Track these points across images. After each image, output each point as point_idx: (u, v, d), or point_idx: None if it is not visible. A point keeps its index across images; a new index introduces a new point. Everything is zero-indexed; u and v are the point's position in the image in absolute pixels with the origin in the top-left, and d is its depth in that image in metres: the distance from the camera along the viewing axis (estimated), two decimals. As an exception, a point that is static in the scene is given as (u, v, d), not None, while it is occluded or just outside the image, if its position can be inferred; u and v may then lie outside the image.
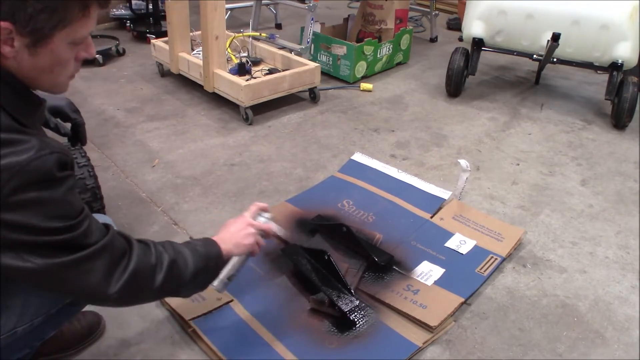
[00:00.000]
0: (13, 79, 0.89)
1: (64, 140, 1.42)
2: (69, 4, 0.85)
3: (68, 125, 1.43)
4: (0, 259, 0.86)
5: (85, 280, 0.94)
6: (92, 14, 0.90)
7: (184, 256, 1.10)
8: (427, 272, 1.70)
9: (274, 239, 1.33)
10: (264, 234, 1.32)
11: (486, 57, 3.47)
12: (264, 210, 1.37)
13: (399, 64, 3.64)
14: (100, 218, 1.29)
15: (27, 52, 0.86)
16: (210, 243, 1.19)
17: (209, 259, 1.16)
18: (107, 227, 0.99)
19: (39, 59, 0.88)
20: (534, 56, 2.89)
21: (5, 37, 0.84)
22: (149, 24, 3.87)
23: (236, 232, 1.26)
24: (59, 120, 1.41)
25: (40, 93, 1.10)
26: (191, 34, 3.04)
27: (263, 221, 1.34)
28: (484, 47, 3.01)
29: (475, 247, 1.82)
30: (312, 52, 3.31)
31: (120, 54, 3.54)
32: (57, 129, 1.41)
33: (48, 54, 0.88)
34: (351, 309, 1.52)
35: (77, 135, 1.43)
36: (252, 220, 1.31)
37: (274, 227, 1.35)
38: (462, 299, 1.59)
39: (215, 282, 1.22)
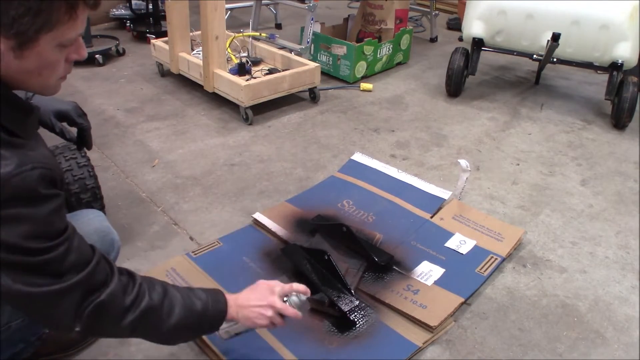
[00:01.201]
0: (1, 87, 0.87)
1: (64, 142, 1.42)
2: (54, 5, 0.82)
3: (74, 129, 1.43)
4: None
5: (52, 313, 0.90)
6: (80, 16, 0.86)
7: (172, 306, 1.04)
8: (427, 272, 1.70)
9: (297, 318, 1.25)
10: (285, 315, 1.22)
11: (486, 57, 3.47)
12: (301, 292, 1.25)
13: (399, 64, 3.64)
14: (90, 214, 1.29)
15: (13, 54, 0.83)
16: (218, 301, 1.13)
17: (204, 317, 1.10)
18: (93, 250, 0.96)
19: (26, 62, 0.85)
20: (534, 56, 2.89)
21: None
22: (149, 24, 3.87)
23: (253, 307, 1.17)
24: (64, 124, 1.40)
25: (47, 97, 1.09)
26: (191, 34, 3.04)
27: (294, 301, 1.23)
28: (484, 47, 3.01)
29: (475, 247, 1.82)
30: (312, 52, 3.31)
31: (120, 54, 3.54)
32: (62, 134, 1.41)
33: (35, 57, 0.85)
34: (351, 309, 1.52)
35: (83, 140, 1.43)
36: (279, 299, 1.20)
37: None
38: (462, 299, 1.59)
39: (223, 332, 1.20)
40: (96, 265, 0.94)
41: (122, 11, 4.02)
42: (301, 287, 1.25)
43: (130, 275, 1.02)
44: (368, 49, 3.27)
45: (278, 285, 1.23)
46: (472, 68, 3.05)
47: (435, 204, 2.04)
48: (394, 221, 1.95)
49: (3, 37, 0.81)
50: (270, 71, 2.97)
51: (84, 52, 0.93)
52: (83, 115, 1.42)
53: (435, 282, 1.66)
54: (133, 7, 3.93)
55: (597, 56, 2.76)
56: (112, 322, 0.97)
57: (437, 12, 4.29)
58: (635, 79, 2.74)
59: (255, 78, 2.84)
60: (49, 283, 0.87)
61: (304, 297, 1.25)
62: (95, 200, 1.77)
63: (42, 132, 1.17)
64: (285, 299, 1.23)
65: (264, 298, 1.19)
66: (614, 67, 2.74)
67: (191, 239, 1.87)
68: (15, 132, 0.87)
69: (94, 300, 0.93)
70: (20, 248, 0.83)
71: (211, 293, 1.14)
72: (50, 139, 1.09)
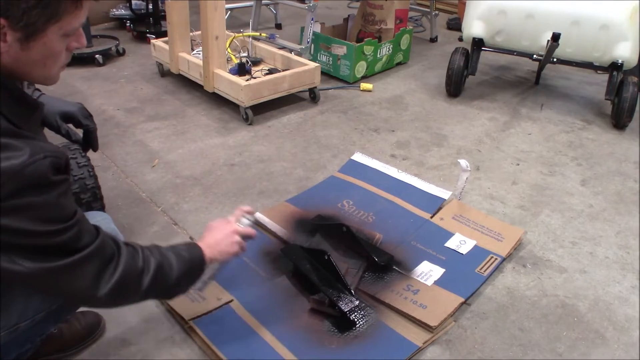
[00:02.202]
0: (8, 81, 0.88)
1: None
2: None
3: (80, 131, 1.43)
4: None
5: (75, 284, 0.95)
6: (85, 6, 0.89)
7: (170, 261, 1.11)
8: (427, 272, 1.70)
9: (255, 237, 1.37)
10: (247, 237, 1.34)
11: (486, 57, 3.47)
12: (249, 213, 1.38)
13: (399, 64, 3.64)
14: (98, 216, 1.30)
15: (19, 46, 0.85)
16: (194, 248, 1.20)
17: (193, 264, 1.18)
18: (97, 229, 0.99)
19: (32, 53, 0.87)
20: (534, 56, 2.89)
21: None
22: (149, 24, 3.87)
23: (221, 240, 1.27)
24: (70, 126, 1.40)
25: (53, 98, 1.10)
26: (191, 34, 3.04)
27: (246, 223, 1.36)
28: (484, 47, 3.01)
29: (475, 247, 1.82)
30: (312, 52, 3.31)
31: (120, 54, 3.54)
32: (68, 135, 1.41)
33: (40, 47, 0.87)
34: (351, 309, 1.52)
35: (89, 141, 1.43)
36: (236, 224, 1.33)
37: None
38: (462, 299, 1.59)
39: (198, 283, 1.25)
40: (103, 237, 0.99)
41: (122, 11, 4.02)
42: (247, 207, 1.37)
43: (130, 244, 1.07)
44: (368, 49, 3.27)
45: (230, 217, 1.35)
46: (472, 68, 3.05)
47: (435, 204, 2.04)
48: (394, 221, 1.95)
49: (10, 29, 0.83)
50: (270, 71, 2.97)
51: (84, 40, 0.96)
52: (89, 116, 1.42)
53: (435, 282, 1.66)
54: (133, 7, 3.93)
55: (597, 56, 2.76)
56: (133, 286, 1.03)
57: (437, 12, 4.29)
58: (635, 79, 2.74)
59: (255, 78, 2.84)
60: (67, 257, 0.92)
61: (251, 217, 1.37)
62: (95, 200, 1.77)
63: (47, 132, 1.17)
64: (237, 223, 1.34)
65: (226, 229, 1.29)
66: (614, 67, 2.74)
67: (191, 238, 1.87)
68: (23, 127, 0.88)
69: (114, 269, 0.98)
70: (37, 232, 0.86)
71: (185, 244, 1.21)
72: (53, 139, 1.09)
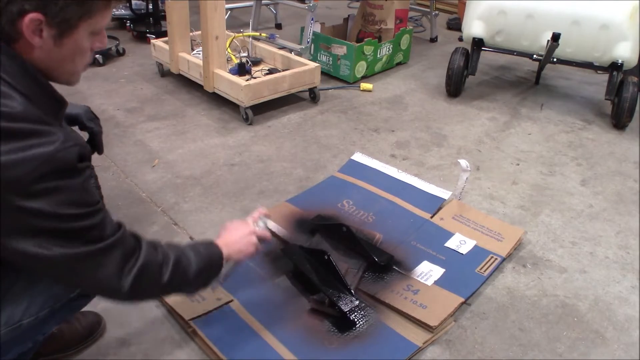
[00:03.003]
0: (41, 76, 0.92)
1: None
2: None
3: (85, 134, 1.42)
4: (19, 246, 0.87)
5: (100, 273, 0.96)
6: (113, 5, 0.96)
7: (188, 256, 1.13)
8: (427, 272, 1.70)
9: (271, 241, 1.42)
10: (262, 239, 1.38)
11: (486, 57, 3.47)
12: (266, 215, 1.42)
13: (399, 64, 3.64)
14: None
15: (53, 42, 0.89)
16: (212, 246, 1.23)
17: (212, 261, 1.20)
18: (119, 223, 1.02)
19: (63, 49, 0.91)
20: (534, 56, 2.89)
21: (35, 28, 0.86)
22: (149, 24, 3.87)
23: (239, 239, 1.30)
24: (76, 128, 1.40)
25: None
26: (191, 34, 3.04)
27: (262, 226, 1.39)
28: (484, 47, 3.01)
29: (475, 247, 1.82)
30: (312, 52, 3.31)
31: (120, 54, 3.54)
32: None
33: (72, 44, 0.92)
34: (351, 309, 1.52)
35: (94, 144, 1.42)
36: (253, 226, 1.37)
37: (276, 227, 1.37)
38: (462, 299, 1.59)
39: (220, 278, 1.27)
40: (125, 230, 1.02)
41: (122, 11, 4.02)
42: (263, 210, 1.42)
43: (149, 239, 1.10)
44: (368, 49, 3.27)
45: (247, 218, 1.39)
46: (472, 68, 3.05)
47: (435, 204, 2.04)
48: (394, 221, 1.95)
49: (47, 25, 0.87)
50: (270, 71, 2.97)
51: (106, 41, 1.02)
52: (94, 119, 1.42)
53: (435, 282, 1.66)
54: (133, 7, 3.93)
55: (597, 56, 2.76)
56: (154, 279, 1.05)
57: (437, 12, 4.29)
58: (635, 79, 2.74)
59: (255, 78, 2.84)
60: (93, 245, 0.94)
61: (267, 220, 1.42)
62: (95, 200, 1.77)
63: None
64: (254, 225, 1.37)
65: (244, 229, 1.33)
66: (614, 67, 2.74)
67: (191, 239, 1.87)
68: (50, 121, 0.91)
69: (135, 261, 1.01)
70: (65, 215, 0.89)
71: (203, 242, 1.23)
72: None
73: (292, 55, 3.05)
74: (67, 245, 0.91)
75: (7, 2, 0.84)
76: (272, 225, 1.38)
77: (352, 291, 1.57)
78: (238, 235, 1.31)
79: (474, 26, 2.95)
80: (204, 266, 1.16)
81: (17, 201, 0.83)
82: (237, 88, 2.62)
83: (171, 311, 1.53)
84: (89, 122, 1.40)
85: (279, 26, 4.36)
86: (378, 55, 3.37)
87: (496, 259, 1.77)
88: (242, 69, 2.93)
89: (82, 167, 0.92)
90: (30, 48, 0.89)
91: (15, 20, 0.85)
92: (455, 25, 4.51)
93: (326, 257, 1.60)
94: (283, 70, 2.91)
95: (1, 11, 0.85)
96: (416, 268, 1.71)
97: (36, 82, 0.91)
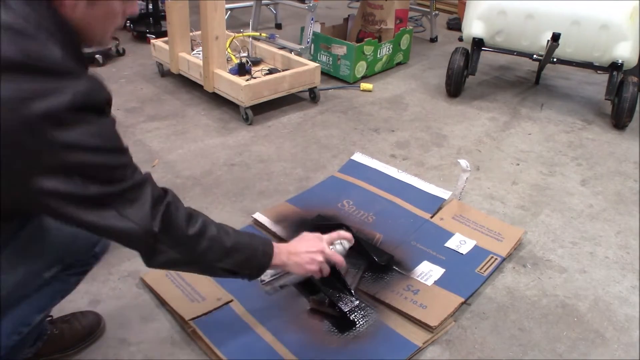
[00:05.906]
0: (75, 37, 0.93)
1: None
2: None
3: None
4: (49, 185, 0.86)
5: (136, 212, 0.95)
6: None
7: (226, 230, 1.11)
8: (427, 272, 1.70)
9: (343, 266, 1.36)
10: (331, 261, 1.30)
11: (486, 57, 3.47)
12: (347, 239, 1.35)
13: (399, 64, 3.64)
14: None
15: (86, 2, 0.91)
16: (263, 241, 1.19)
17: (253, 251, 1.16)
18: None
19: (95, 10, 0.93)
20: (534, 56, 2.89)
21: None
22: (149, 24, 3.87)
23: (303, 253, 1.25)
24: None
25: None
26: (191, 34, 3.04)
27: (339, 250, 1.33)
28: (484, 47, 3.01)
29: (475, 247, 1.82)
30: (312, 52, 3.31)
31: (120, 54, 3.54)
32: None
33: (104, 6, 0.93)
34: (351, 309, 1.52)
35: None
36: (327, 246, 1.29)
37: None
38: (462, 299, 1.59)
39: (268, 287, 1.26)
40: (149, 175, 1.02)
41: (122, 11, 4.02)
42: (347, 234, 1.33)
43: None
44: (368, 49, 3.27)
45: (325, 236, 1.30)
46: (472, 68, 3.05)
47: (435, 204, 2.04)
48: (394, 221, 1.95)
49: None
50: (270, 71, 2.97)
51: (137, 9, 1.03)
52: None
53: (435, 282, 1.66)
54: (133, 7, 3.93)
55: (597, 56, 2.76)
56: (180, 227, 1.03)
57: (437, 12, 4.29)
58: (635, 79, 2.74)
59: (255, 78, 2.84)
60: (125, 181, 0.94)
61: (347, 245, 1.33)
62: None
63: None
64: (330, 246, 1.28)
65: (315, 245, 1.26)
66: (614, 67, 2.74)
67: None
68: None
69: (163, 203, 1.00)
70: (98, 148, 0.89)
71: (262, 238, 1.20)
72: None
73: (292, 55, 3.05)
74: (104, 183, 0.91)
75: None
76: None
77: (352, 291, 1.57)
78: (305, 248, 1.25)
79: (474, 26, 2.95)
80: (241, 249, 1.12)
81: (52, 133, 0.83)
82: (237, 88, 2.62)
83: (171, 311, 1.53)
84: None
85: (279, 26, 4.36)
86: (378, 55, 3.37)
87: (496, 259, 1.77)
88: (242, 69, 2.93)
89: (109, 112, 0.94)
90: (64, 7, 0.90)
91: None
92: (455, 25, 4.51)
93: (326, 257, 1.60)
94: (283, 70, 2.90)
95: None
96: (416, 268, 1.71)
97: (70, 39, 0.92)
